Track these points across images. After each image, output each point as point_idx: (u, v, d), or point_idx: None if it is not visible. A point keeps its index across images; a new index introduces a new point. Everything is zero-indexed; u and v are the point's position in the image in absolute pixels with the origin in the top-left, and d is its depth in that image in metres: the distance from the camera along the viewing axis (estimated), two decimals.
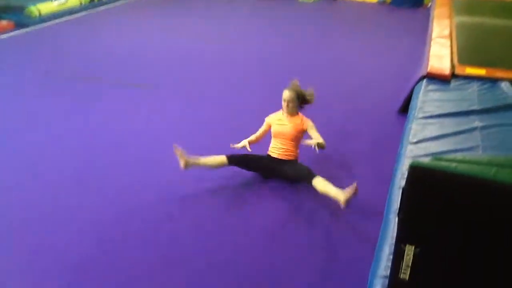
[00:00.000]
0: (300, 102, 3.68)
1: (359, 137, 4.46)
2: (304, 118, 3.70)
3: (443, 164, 1.53)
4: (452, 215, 1.57)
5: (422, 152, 3.27)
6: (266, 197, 3.49)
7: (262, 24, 9.20)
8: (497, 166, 1.48)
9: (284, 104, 3.64)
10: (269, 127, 3.73)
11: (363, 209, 3.31)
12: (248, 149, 3.64)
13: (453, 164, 1.51)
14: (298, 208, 3.36)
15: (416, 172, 1.56)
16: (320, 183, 3.28)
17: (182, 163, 3.42)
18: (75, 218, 3.26)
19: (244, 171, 3.66)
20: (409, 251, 1.68)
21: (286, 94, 3.62)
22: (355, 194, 3.02)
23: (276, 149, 3.64)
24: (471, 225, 1.55)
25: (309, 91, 3.69)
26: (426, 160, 1.58)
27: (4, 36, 8.05)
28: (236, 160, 3.59)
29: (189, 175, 3.59)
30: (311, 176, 3.34)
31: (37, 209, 3.36)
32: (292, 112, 3.67)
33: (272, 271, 2.79)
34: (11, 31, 8.30)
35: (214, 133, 4.53)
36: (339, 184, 3.63)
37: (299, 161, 3.67)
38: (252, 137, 3.75)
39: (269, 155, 3.67)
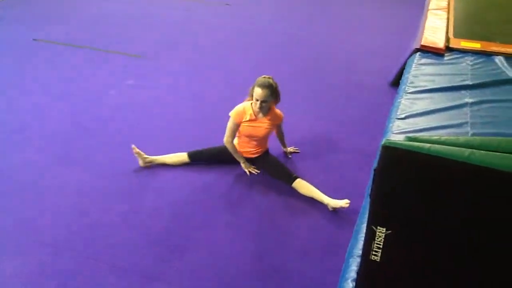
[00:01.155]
0: (275, 99, 3.21)
1: (348, 110, 4.39)
2: (276, 112, 3.30)
3: (417, 144, 1.47)
4: (424, 197, 1.52)
5: (409, 128, 3.20)
6: (249, 188, 3.45)
7: None
8: (473, 148, 1.43)
9: (257, 104, 3.10)
10: (238, 126, 3.27)
11: (348, 187, 3.27)
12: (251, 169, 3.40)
13: (427, 145, 1.45)
14: (280, 194, 3.33)
15: (388, 152, 1.50)
16: (304, 187, 3.15)
17: (140, 162, 3.42)
18: (59, 189, 3.24)
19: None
20: (380, 232, 1.64)
21: (259, 92, 3.05)
22: (345, 207, 2.98)
23: (246, 149, 3.37)
24: (443, 208, 1.51)
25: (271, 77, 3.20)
26: (398, 140, 1.52)
27: None
28: (200, 156, 3.46)
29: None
30: (291, 178, 3.20)
31: (23, 177, 3.33)
32: (265, 112, 3.23)
33: (259, 250, 2.78)
34: None
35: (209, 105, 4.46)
36: (326, 159, 3.62)
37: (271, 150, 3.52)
38: (235, 148, 3.36)
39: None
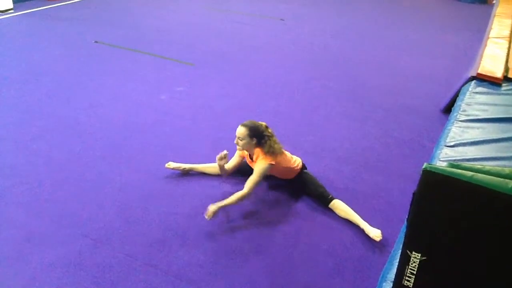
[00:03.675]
0: (257, 138, 3.13)
1: (394, 133, 4.31)
2: (260, 157, 3.14)
3: (459, 171, 1.43)
4: (462, 226, 1.47)
5: (457, 156, 3.11)
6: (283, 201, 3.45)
7: (311, 7, 9.02)
8: None
9: (236, 141, 3.18)
10: (241, 158, 3.37)
11: (387, 211, 3.20)
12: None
13: (469, 173, 1.41)
14: (315, 211, 3.30)
15: (429, 176, 1.47)
16: (342, 209, 3.11)
17: (183, 172, 3.51)
18: (103, 185, 3.36)
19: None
20: (415, 258, 1.60)
21: (238, 129, 3.14)
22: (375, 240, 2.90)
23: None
24: (481, 238, 1.45)
25: (264, 124, 3.20)
26: (441, 165, 1.49)
27: (63, 3, 8.33)
28: (237, 169, 3.46)
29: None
30: (327, 199, 3.17)
31: (67, 172, 3.49)
32: (247, 149, 3.20)
33: (291, 264, 2.77)
34: None
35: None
36: (367, 180, 3.56)
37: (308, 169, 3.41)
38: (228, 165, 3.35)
39: None
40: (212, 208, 2.95)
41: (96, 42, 6.34)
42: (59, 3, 8.29)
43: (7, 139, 3.89)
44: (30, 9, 7.80)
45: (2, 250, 2.72)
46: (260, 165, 3.12)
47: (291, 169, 3.31)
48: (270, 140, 3.14)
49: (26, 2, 8.16)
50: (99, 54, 5.96)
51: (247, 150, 3.23)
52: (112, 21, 7.41)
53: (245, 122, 3.17)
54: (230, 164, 3.37)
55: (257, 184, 3.11)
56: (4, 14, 7.44)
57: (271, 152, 3.13)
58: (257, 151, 3.16)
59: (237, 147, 3.21)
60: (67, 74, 5.30)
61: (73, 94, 4.79)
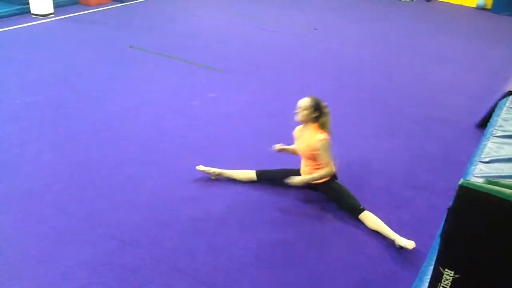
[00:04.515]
0: (317, 114, 3.21)
1: (426, 145, 4.23)
2: (319, 135, 3.20)
3: (498, 188, 1.38)
4: (499, 244, 1.42)
5: (493, 172, 3.02)
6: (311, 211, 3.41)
7: (344, 17, 8.97)
8: None
9: (297, 111, 3.27)
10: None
11: (415, 225, 3.14)
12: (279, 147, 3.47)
13: (508, 190, 1.37)
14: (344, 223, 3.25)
15: (465, 192, 1.43)
16: (372, 221, 3.06)
17: (212, 176, 3.53)
18: (133, 187, 3.41)
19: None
20: (448, 275, 1.56)
21: (301, 100, 3.25)
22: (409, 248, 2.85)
23: (302, 170, 3.38)
24: None
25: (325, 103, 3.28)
26: (477, 182, 1.44)
27: (101, 8, 8.54)
28: (267, 176, 3.47)
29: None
30: (358, 210, 3.12)
31: (98, 172, 3.56)
32: (305, 121, 3.27)
33: (317, 275, 2.74)
34: (107, 4, 8.80)
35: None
36: (395, 193, 3.49)
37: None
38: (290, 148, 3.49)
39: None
40: (296, 180, 3.20)
41: (130, 47, 6.47)
42: (97, 8, 8.51)
43: (40, 140, 4.00)
44: (70, 14, 8.03)
45: (33, 248, 2.79)
46: (319, 141, 3.16)
47: (326, 161, 3.24)
48: (326, 116, 3.25)
49: (66, 7, 8.40)
50: (133, 59, 6.07)
51: (304, 122, 3.27)
52: (147, 27, 7.55)
53: (310, 96, 3.27)
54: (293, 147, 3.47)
55: (328, 158, 3.21)
56: (46, 18, 7.68)
57: (326, 127, 3.23)
58: (314, 126, 3.23)
59: (296, 117, 3.27)
60: (101, 77, 5.42)
61: (106, 97, 4.89)
